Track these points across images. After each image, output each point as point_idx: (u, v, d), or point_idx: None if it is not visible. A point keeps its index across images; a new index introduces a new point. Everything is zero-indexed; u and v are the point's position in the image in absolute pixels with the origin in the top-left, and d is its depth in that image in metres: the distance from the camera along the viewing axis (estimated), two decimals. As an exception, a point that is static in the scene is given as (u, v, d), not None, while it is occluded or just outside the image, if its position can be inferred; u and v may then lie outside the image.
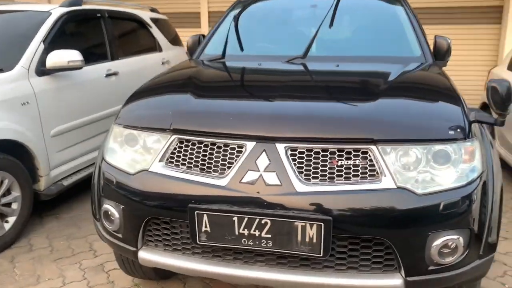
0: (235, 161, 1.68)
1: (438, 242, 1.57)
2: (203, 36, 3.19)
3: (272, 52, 2.77)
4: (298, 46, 2.74)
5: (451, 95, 1.89)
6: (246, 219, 1.60)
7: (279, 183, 1.60)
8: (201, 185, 1.68)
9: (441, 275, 1.62)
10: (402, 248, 1.57)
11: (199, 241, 1.68)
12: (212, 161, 1.72)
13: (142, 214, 1.78)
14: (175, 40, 5.65)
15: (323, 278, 1.62)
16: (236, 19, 3.09)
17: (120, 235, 1.89)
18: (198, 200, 1.66)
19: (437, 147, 1.63)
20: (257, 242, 1.63)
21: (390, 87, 1.97)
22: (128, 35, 4.60)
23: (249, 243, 1.64)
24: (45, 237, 3.16)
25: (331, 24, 2.65)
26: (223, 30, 3.06)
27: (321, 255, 1.58)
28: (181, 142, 1.79)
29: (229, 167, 1.69)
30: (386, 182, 1.59)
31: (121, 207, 1.83)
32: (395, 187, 1.58)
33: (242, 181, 1.63)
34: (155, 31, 5.09)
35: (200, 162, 1.74)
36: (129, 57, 4.38)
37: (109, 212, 1.88)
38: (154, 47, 5.04)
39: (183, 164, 1.77)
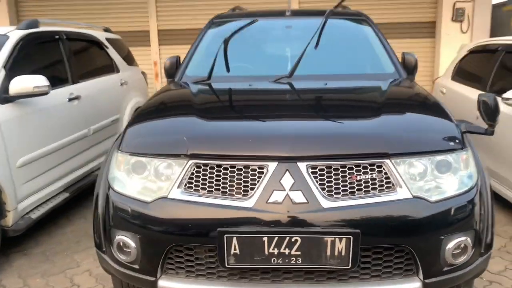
0: (258, 182, 1.72)
1: (451, 244, 1.72)
2: (179, 58, 3.19)
3: (256, 72, 2.84)
4: (279, 66, 2.86)
5: (441, 109, 2.08)
6: (276, 238, 1.64)
7: (305, 200, 1.67)
8: (228, 208, 1.70)
9: (454, 274, 1.76)
10: (421, 253, 1.69)
11: (227, 264, 1.69)
12: (234, 184, 1.75)
13: (164, 242, 1.75)
14: (129, 60, 5.55)
15: (351, 288, 1.70)
16: (214, 40, 3.14)
17: (136, 266, 1.84)
18: (227, 224, 1.67)
19: (440, 157, 1.79)
20: (286, 260, 1.67)
21: (386, 103, 2.13)
22: (86, 57, 4.45)
23: (278, 261, 1.67)
24: (17, 276, 2.93)
25: (316, 45, 2.78)
26: (202, 51, 3.09)
27: (349, 267, 1.66)
28: (198, 167, 1.79)
29: (252, 189, 1.72)
30: (402, 193, 1.72)
31: (138, 237, 1.79)
32: (411, 196, 1.71)
33: (269, 201, 1.68)
34: (111, 51, 4.97)
35: (222, 185, 1.75)
36: (89, 79, 4.24)
37: (124, 244, 1.82)
38: (112, 68, 4.91)
39: (203, 189, 1.77)
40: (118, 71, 5.05)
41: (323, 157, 1.73)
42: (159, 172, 1.84)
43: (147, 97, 6.01)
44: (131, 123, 2.09)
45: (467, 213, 1.75)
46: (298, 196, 1.67)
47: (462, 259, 1.75)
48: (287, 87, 2.51)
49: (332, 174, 1.72)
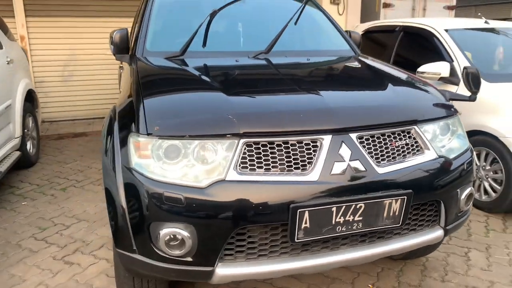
0: (314, 155, 1.74)
1: (464, 194, 2.02)
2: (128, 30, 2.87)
3: (228, 48, 2.75)
4: (249, 41, 2.83)
5: (424, 81, 2.37)
6: (343, 207, 1.70)
7: (364, 169, 1.76)
8: (294, 184, 1.68)
9: (462, 218, 2.08)
10: (447, 204, 1.95)
11: (297, 239, 1.69)
12: (291, 159, 1.73)
13: (228, 227, 1.64)
14: (7, 33, 4.69)
15: (395, 245, 1.88)
16: (167, 12, 2.91)
17: (188, 259, 1.68)
18: (296, 199, 1.66)
19: (446, 121, 2.07)
20: (349, 227, 1.75)
21: (378, 75, 2.33)
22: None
23: (342, 229, 1.74)
24: None
25: (295, 23, 2.81)
26: (157, 24, 2.83)
27: (400, 225, 1.83)
28: (249, 145, 1.71)
29: (309, 163, 1.73)
30: (430, 154, 1.94)
31: (195, 226, 1.64)
32: (437, 156, 1.95)
33: (332, 173, 1.72)
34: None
35: (279, 162, 1.72)
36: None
37: (176, 236, 1.65)
38: (-5, 44, 4.10)
39: (260, 167, 1.70)
40: (1, 47, 4.23)
41: (368, 127, 1.83)
42: (203, 154, 1.70)
43: (32, 79, 5.18)
44: (149, 104, 1.84)
45: (471, 167, 2.07)
46: (357, 165, 1.75)
47: (469, 205, 2.08)
48: (280, 62, 2.52)
49: (376, 143, 1.84)
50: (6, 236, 3.13)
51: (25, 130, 4.47)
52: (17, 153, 4.14)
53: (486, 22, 4.34)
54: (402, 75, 2.43)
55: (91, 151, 5.29)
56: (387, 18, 7.42)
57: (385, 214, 1.78)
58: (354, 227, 1.75)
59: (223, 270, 1.69)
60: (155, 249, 1.69)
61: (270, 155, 1.72)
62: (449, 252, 2.82)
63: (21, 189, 4.06)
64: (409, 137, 1.93)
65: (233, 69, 2.37)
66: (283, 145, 1.73)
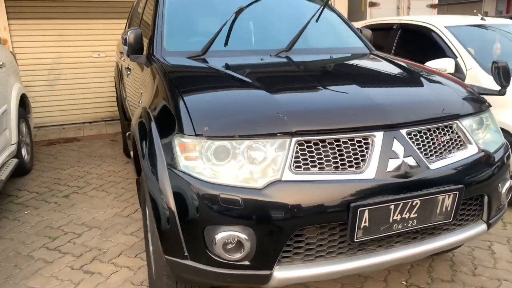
0: (367, 152, 1.71)
1: (505, 188, 2.03)
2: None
3: (248, 47, 2.70)
4: (267, 40, 2.80)
5: (451, 77, 2.38)
6: (401, 204, 1.68)
7: (417, 165, 1.74)
8: (352, 183, 1.65)
9: (502, 211, 2.09)
10: (491, 198, 1.96)
11: (356, 239, 1.65)
12: (344, 157, 1.69)
13: (288, 228, 1.59)
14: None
15: (446, 240, 1.87)
16: (181, 11, 2.84)
17: (246, 263, 1.62)
18: (356, 198, 1.63)
19: (482, 116, 2.08)
20: (405, 224, 1.73)
21: (408, 71, 2.32)
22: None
23: (398, 227, 1.72)
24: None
25: (315, 21, 2.78)
26: (172, 23, 2.76)
27: (451, 220, 1.82)
28: (301, 144, 1.67)
29: (363, 160, 1.70)
30: (473, 148, 1.95)
31: (253, 228, 1.58)
32: (479, 150, 1.95)
33: (388, 170, 1.69)
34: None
35: (332, 160, 1.68)
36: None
37: (233, 240, 1.59)
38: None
39: (313, 166, 1.66)
40: (-8, 50, 4.05)
41: (416, 123, 1.82)
42: (254, 154, 1.64)
43: (21, 83, 4.97)
44: (189, 103, 1.78)
45: (509, 160, 2.09)
46: (411, 161, 1.73)
47: (508, 199, 2.10)
48: (304, 59, 2.49)
49: (424, 138, 1.83)
50: (15, 247, 2.98)
51: (20, 136, 4.29)
52: (15, 160, 3.96)
53: (482, 18, 4.43)
54: (429, 71, 2.43)
55: (87, 156, 5.12)
56: (373, 17, 7.52)
57: (438, 210, 1.77)
58: (409, 224, 1.74)
59: (281, 273, 1.64)
60: (210, 254, 1.62)
61: (323, 154, 1.68)
62: (473, 246, 2.84)
63: (21, 197, 3.88)
64: (452, 132, 1.93)
65: (263, 67, 2.32)
66: (335, 143, 1.70)
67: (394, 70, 2.42)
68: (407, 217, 1.71)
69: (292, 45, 2.61)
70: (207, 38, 2.66)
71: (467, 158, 1.89)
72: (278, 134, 1.65)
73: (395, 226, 1.71)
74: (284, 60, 2.49)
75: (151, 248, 2.05)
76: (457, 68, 3.74)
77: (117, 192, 3.95)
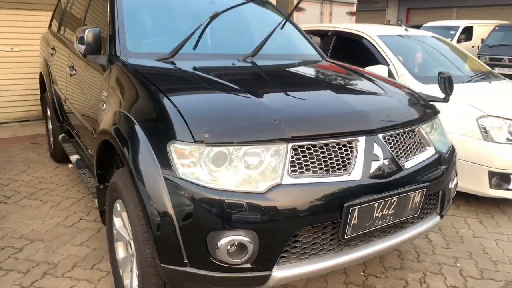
0: (352, 156, 1.85)
1: (453, 184, 2.31)
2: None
3: (214, 50, 2.71)
4: (230, 44, 2.84)
5: (405, 85, 2.63)
6: (382, 202, 1.84)
7: (394, 166, 1.92)
8: (342, 184, 1.77)
9: (450, 204, 2.37)
10: (445, 194, 2.22)
11: (346, 236, 1.78)
12: (333, 161, 1.81)
13: (289, 230, 1.66)
14: None
15: (411, 232, 2.09)
16: (138, 11, 2.76)
17: (247, 266, 1.66)
18: (347, 198, 1.75)
19: (433, 121, 2.34)
20: (384, 220, 1.89)
21: (368, 79, 2.53)
22: None
23: (379, 223, 1.88)
24: None
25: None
26: (130, 24, 2.66)
27: (418, 214, 2.03)
28: (295, 149, 1.76)
29: (349, 163, 1.84)
30: (431, 150, 2.19)
31: (256, 231, 1.63)
32: (436, 151, 2.20)
33: (371, 171, 1.84)
34: None
35: (323, 164, 1.79)
36: None
37: (236, 244, 1.62)
38: None
39: (308, 170, 1.76)
40: None
41: (390, 128, 2.00)
42: (251, 160, 1.69)
43: None
44: (182, 109, 1.76)
45: (456, 160, 2.38)
46: (390, 163, 1.90)
47: (454, 193, 2.39)
48: (268, 64, 2.58)
49: (395, 142, 2.02)
50: None
51: None
52: None
53: (406, 29, 4.90)
54: (386, 79, 2.67)
55: (6, 161, 4.66)
56: (299, 21, 7.86)
57: (409, 206, 1.96)
58: (387, 220, 1.91)
59: (279, 273, 1.71)
60: (212, 259, 1.63)
61: (315, 158, 1.78)
62: (414, 235, 3.16)
63: None
64: (415, 135, 2.15)
65: (239, 72, 2.36)
66: (325, 148, 1.80)
67: (357, 77, 2.60)
68: (386, 214, 1.88)
69: (258, 51, 2.67)
70: (168, 40, 2.63)
71: (428, 158, 2.12)
72: (275, 140, 1.71)
73: (377, 222, 1.87)
74: (253, 64, 2.55)
75: (134, 258, 1.98)
76: (390, 74, 4.10)
77: (53, 200, 3.67)
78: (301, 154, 1.75)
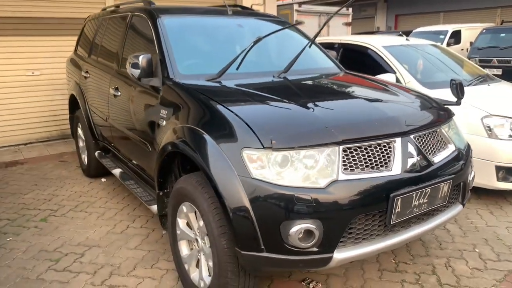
0: (391, 154, 2.20)
1: (472, 175, 2.67)
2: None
3: (252, 69, 3.04)
4: (263, 62, 3.20)
5: (422, 92, 3.00)
6: (419, 193, 2.19)
7: (426, 162, 2.27)
8: (387, 178, 2.11)
9: (469, 194, 2.72)
10: (466, 185, 2.57)
11: (391, 222, 2.12)
12: (376, 159, 2.16)
13: (347, 218, 2.00)
14: None
15: (441, 219, 2.43)
16: (182, 36, 3.11)
17: (314, 249, 1.99)
18: (392, 189, 2.09)
19: (450, 122, 2.70)
20: (420, 208, 2.24)
21: (390, 87, 2.90)
22: None
23: (416, 210, 2.22)
24: None
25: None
26: (178, 48, 3.01)
27: (446, 203, 2.39)
28: (345, 151, 2.10)
29: (389, 160, 2.19)
30: (452, 147, 2.55)
31: (320, 220, 1.96)
32: (456, 148, 2.56)
33: (408, 167, 2.19)
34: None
35: (369, 161, 2.13)
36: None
37: (306, 231, 1.95)
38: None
39: (356, 167, 2.10)
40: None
41: (419, 129, 2.35)
42: (310, 161, 2.03)
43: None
44: (249, 121, 2.10)
45: (472, 155, 2.74)
46: (422, 159, 2.26)
47: (472, 184, 2.74)
48: (303, 78, 2.95)
49: (424, 141, 2.38)
50: (18, 273, 2.94)
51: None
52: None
53: (407, 39, 5.30)
54: (403, 86, 3.04)
55: (41, 179, 4.95)
56: (300, 35, 8.27)
57: (439, 195, 2.31)
58: (422, 208, 2.25)
59: (339, 255, 2.04)
60: (285, 244, 1.96)
61: (362, 157, 2.12)
62: (433, 226, 3.51)
63: (-9, 225, 3.71)
64: (438, 135, 2.51)
65: (280, 86, 2.71)
66: (368, 148, 2.15)
67: (379, 86, 2.97)
68: (421, 202, 2.23)
69: (289, 68, 3.03)
70: (210, 61, 2.98)
71: (450, 154, 2.48)
72: (328, 144, 2.05)
73: (414, 209, 2.21)
74: (287, 79, 2.90)
75: (202, 253, 2.29)
76: (397, 81, 4.48)
77: (97, 212, 3.97)
78: (350, 154, 2.10)
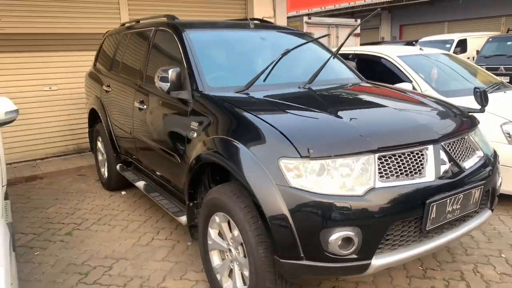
0: (424, 161, 2.23)
1: (499, 181, 2.69)
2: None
3: (278, 80, 3.10)
4: (287, 74, 3.26)
5: (446, 100, 3.05)
6: (452, 199, 2.22)
7: (457, 169, 2.30)
8: (422, 185, 2.14)
9: (497, 200, 2.74)
10: (494, 190, 2.60)
11: (427, 228, 2.15)
12: (410, 166, 2.19)
13: (384, 225, 2.03)
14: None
15: (471, 224, 2.45)
16: (209, 50, 3.18)
17: (354, 256, 2.02)
18: (427, 196, 2.12)
19: (476, 129, 2.74)
20: (453, 214, 2.26)
21: (414, 96, 2.94)
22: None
23: (449, 216, 2.25)
24: None
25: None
26: (205, 61, 3.07)
27: (477, 208, 2.41)
28: (379, 158, 2.14)
29: (423, 167, 2.22)
30: (480, 153, 2.58)
31: (359, 227, 1.99)
32: (484, 155, 2.59)
33: (441, 173, 2.23)
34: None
35: (403, 169, 2.17)
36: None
37: (345, 238, 1.98)
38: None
39: (392, 175, 2.14)
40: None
41: (449, 136, 2.39)
42: (346, 169, 2.07)
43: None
44: (285, 131, 2.14)
45: (498, 161, 2.77)
46: (454, 166, 2.29)
47: (499, 190, 2.76)
48: (326, 88, 3.01)
49: (453, 148, 2.41)
50: (49, 287, 2.97)
51: None
52: (9, 202, 3.82)
53: (420, 49, 5.37)
54: (427, 95, 3.08)
55: (62, 193, 5.00)
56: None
57: (471, 201, 2.34)
58: (455, 214, 2.28)
59: (376, 262, 2.06)
60: (325, 252, 1.99)
61: (396, 165, 2.16)
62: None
63: (18, 240, 3.76)
64: (466, 142, 2.55)
65: (307, 96, 2.76)
66: (402, 156, 2.19)
67: (404, 95, 3.02)
68: (454, 208, 2.25)
69: (314, 79, 3.09)
70: (237, 74, 3.04)
71: (480, 161, 2.51)
72: (364, 152, 2.09)
73: (448, 215, 2.24)
74: (312, 90, 2.95)
75: (244, 259, 2.32)
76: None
77: (120, 224, 4.01)
78: (385, 162, 2.14)
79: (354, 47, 5.88)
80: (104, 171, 4.95)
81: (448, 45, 13.95)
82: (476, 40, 14.10)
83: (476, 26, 18.54)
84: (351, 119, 2.33)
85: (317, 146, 2.06)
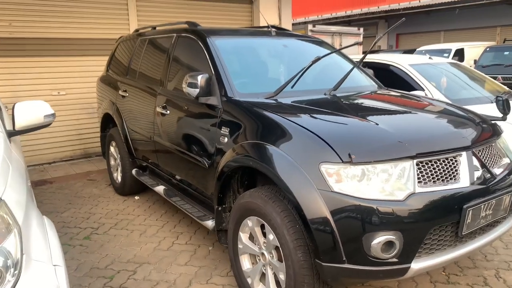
0: (458, 167, 2.29)
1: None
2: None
3: (305, 87, 3.15)
4: (311, 80, 3.31)
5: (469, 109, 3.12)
6: (486, 204, 2.27)
7: (489, 174, 2.36)
8: (459, 190, 2.19)
9: None
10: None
11: (462, 233, 2.19)
12: (446, 171, 2.24)
13: (425, 229, 2.07)
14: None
15: (501, 229, 2.50)
16: (235, 57, 3.22)
17: (395, 260, 2.06)
18: (463, 201, 2.17)
19: (501, 136, 2.80)
20: (486, 219, 2.31)
21: (437, 103, 3.01)
22: None
23: (481, 221, 2.30)
24: None
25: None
26: (233, 68, 3.11)
27: (506, 214, 2.47)
28: (417, 164, 2.19)
29: (457, 173, 2.27)
30: (506, 159, 2.64)
31: (401, 231, 2.03)
32: (510, 161, 2.66)
33: (475, 179, 2.28)
34: None
35: (439, 174, 2.22)
36: None
37: (388, 242, 2.02)
38: None
39: (429, 180, 2.19)
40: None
41: (479, 143, 2.45)
42: (385, 174, 2.11)
43: None
44: (325, 137, 2.19)
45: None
46: (485, 171, 2.35)
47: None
48: (353, 96, 3.07)
49: (484, 154, 2.47)
50: (75, 291, 2.97)
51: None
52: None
53: (430, 58, 5.46)
54: (449, 103, 3.15)
55: (75, 197, 4.99)
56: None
57: (502, 207, 2.39)
58: (487, 219, 2.33)
59: (415, 265, 2.10)
60: (367, 256, 2.03)
61: (433, 170, 2.21)
62: (476, 239, 3.58)
63: (36, 244, 3.74)
64: (494, 148, 2.61)
65: (336, 103, 2.81)
66: (438, 162, 2.24)
67: (429, 102, 3.08)
68: (487, 213, 2.30)
69: (338, 86, 3.14)
70: (263, 80, 3.08)
71: (508, 166, 2.58)
72: (403, 158, 2.14)
73: (481, 221, 2.29)
74: (336, 96, 3.01)
75: (279, 263, 2.34)
76: (426, 99, 4.60)
77: (138, 229, 4.01)
78: (422, 168, 2.18)
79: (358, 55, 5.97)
80: (117, 176, 4.95)
81: (446, 54, 14.16)
82: (473, 49, 14.33)
83: (472, 35, 18.83)
84: (386, 125, 2.38)
85: (358, 151, 2.11)
